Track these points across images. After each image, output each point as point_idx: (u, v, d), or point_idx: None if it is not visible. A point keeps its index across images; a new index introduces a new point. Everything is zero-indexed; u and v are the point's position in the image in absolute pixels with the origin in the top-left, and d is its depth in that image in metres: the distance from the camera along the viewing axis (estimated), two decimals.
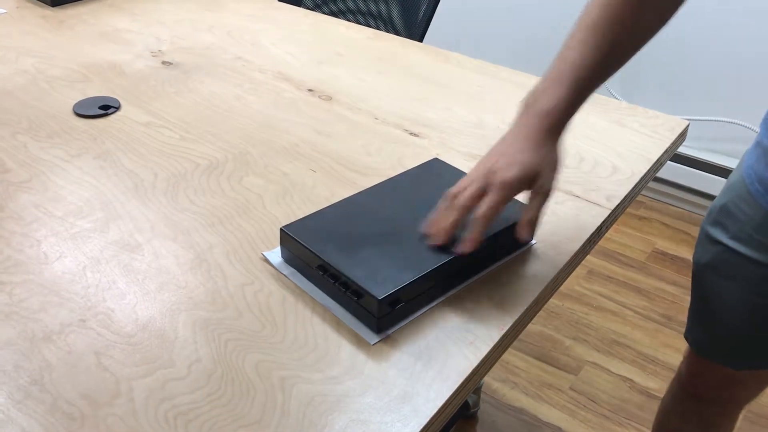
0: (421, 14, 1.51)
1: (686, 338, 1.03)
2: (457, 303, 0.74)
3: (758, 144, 0.86)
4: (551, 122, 0.72)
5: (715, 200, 0.93)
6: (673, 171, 2.23)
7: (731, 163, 2.16)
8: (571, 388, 1.68)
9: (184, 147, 1.00)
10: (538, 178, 0.72)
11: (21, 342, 0.68)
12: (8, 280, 0.76)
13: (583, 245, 0.83)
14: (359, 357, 0.67)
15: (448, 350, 0.68)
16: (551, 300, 1.88)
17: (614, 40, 0.73)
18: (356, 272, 0.70)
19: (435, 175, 0.87)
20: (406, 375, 0.66)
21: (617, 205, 0.90)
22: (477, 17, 2.47)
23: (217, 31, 1.37)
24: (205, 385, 0.64)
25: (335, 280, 0.72)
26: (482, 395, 1.64)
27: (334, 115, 1.09)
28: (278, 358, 0.67)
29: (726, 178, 1.11)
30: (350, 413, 0.62)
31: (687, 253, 2.05)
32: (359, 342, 0.69)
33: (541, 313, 1.85)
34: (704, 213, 1.03)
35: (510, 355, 1.76)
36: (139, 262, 0.79)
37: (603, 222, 0.87)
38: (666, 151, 1.02)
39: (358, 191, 0.84)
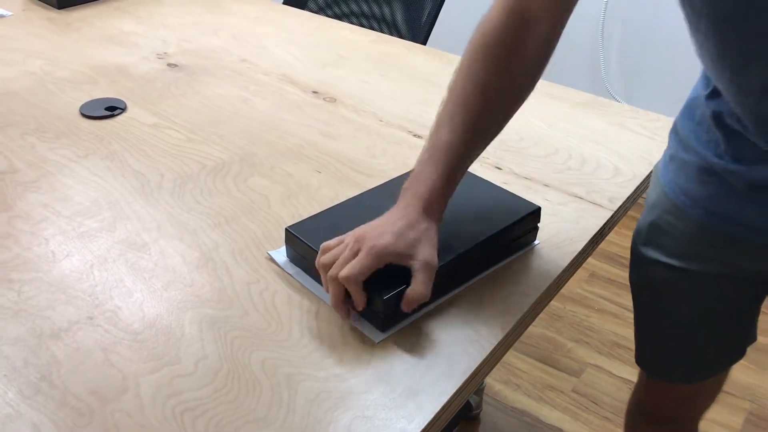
0: (425, 17, 1.52)
1: (638, 363, 1.01)
2: (460, 302, 0.75)
3: (673, 158, 0.85)
4: (427, 205, 0.72)
5: (640, 221, 0.91)
6: None
7: None
8: (573, 390, 1.68)
9: (190, 148, 1.01)
10: (415, 253, 0.70)
11: (30, 339, 0.69)
12: (17, 278, 0.77)
13: (586, 246, 0.84)
14: (364, 355, 0.68)
15: (451, 348, 0.69)
16: (553, 302, 1.89)
17: (483, 111, 0.73)
18: None
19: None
20: (410, 372, 0.66)
21: (619, 207, 0.91)
22: (478, 21, 2.48)
23: (222, 34, 1.38)
24: (211, 381, 0.65)
25: None
26: (484, 397, 1.64)
27: (339, 117, 1.10)
28: (284, 355, 0.68)
29: None
30: (355, 410, 0.63)
31: None
32: (363, 340, 0.70)
33: (542, 315, 1.86)
34: None
35: (512, 357, 1.76)
36: (146, 260, 0.80)
37: (605, 223, 0.88)
38: None
39: (362, 191, 0.85)
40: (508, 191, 0.85)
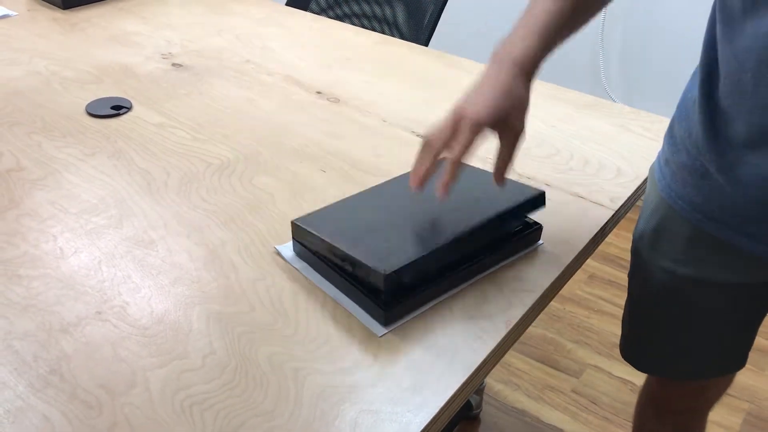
0: (427, 19, 1.53)
1: (625, 358, 1.01)
2: (463, 298, 0.76)
3: (668, 162, 0.85)
4: (522, 69, 0.73)
5: (640, 225, 0.91)
6: None
7: None
8: (572, 391, 1.69)
9: (195, 147, 1.02)
10: (508, 119, 0.72)
11: (39, 333, 0.70)
12: (26, 273, 0.78)
13: (588, 243, 0.85)
14: (369, 350, 0.69)
15: (456, 344, 0.70)
16: (553, 304, 1.90)
17: None
18: (363, 252, 0.72)
19: (442, 171, 0.88)
20: (416, 367, 0.67)
21: (621, 206, 0.92)
22: (480, 22, 2.50)
23: (227, 35, 1.39)
24: (219, 375, 0.66)
25: (343, 270, 0.74)
26: (485, 397, 1.65)
27: (343, 117, 1.11)
28: (291, 350, 0.69)
29: None
30: (361, 403, 0.64)
31: None
32: (369, 335, 0.71)
33: (542, 316, 1.87)
34: None
35: (512, 358, 1.77)
36: (153, 257, 0.81)
37: (607, 222, 0.89)
38: None
39: (369, 187, 0.87)
40: (512, 180, 0.85)
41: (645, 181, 0.98)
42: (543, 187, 0.94)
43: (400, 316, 0.72)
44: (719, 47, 0.73)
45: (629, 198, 0.94)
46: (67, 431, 0.61)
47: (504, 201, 0.80)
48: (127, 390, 0.64)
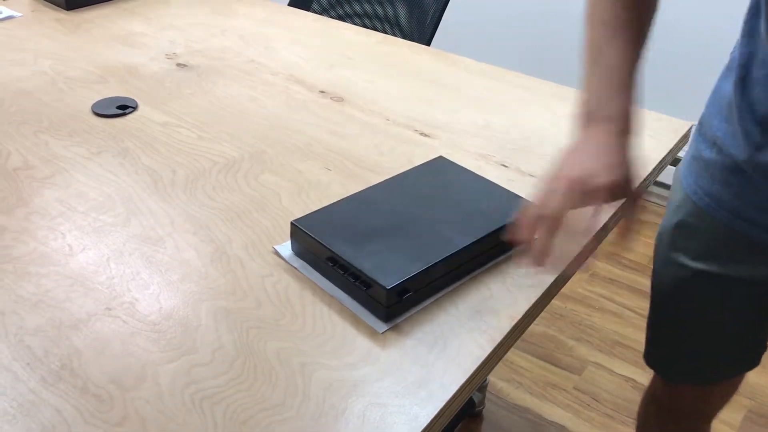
0: (429, 19, 1.54)
1: (648, 364, 1.01)
2: (468, 293, 0.77)
3: (695, 158, 0.85)
4: (623, 127, 0.71)
5: (664, 222, 0.91)
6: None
7: None
8: (574, 388, 1.70)
9: (201, 146, 1.03)
10: (627, 183, 0.70)
11: (50, 329, 0.71)
12: (35, 271, 0.79)
13: (591, 240, 0.85)
14: (376, 344, 0.70)
15: (461, 338, 0.71)
16: (554, 302, 1.91)
17: (637, 23, 0.75)
18: (365, 264, 0.73)
19: (440, 171, 0.90)
20: (422, 361, 0.68)
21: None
22: (482, 22, 2.51)
23: (230, 35, 1.40)
24: (228, 370, 0.67)
25: (344, 272, 0.75)
26: (487, 394, 1.66)
27: (346, 116, 1.12)
28: (298, 345, 0.70)
29: None
30: (368, 397, 0.64)
31: None
32: (375, 331, 0.72)
33: (544, 314, 1.88)
34: None
35: (514, 356, 1.78)
36: (161, 254, 0.82)
37: (609, 218, 0.89)
38: (669, 152, 1.05)
39: (368, 186, 0.87)
40: (510, 191, 0.86)
41: (645, 179, 0.99)
42: None
43: (400, 313, 0.74)
44: (759, 41, 0.73)
45: None
46: (79, 424, 0.62)
47: (507, 214, 0.81)
48: (138, 384, 0.65)
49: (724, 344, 0.92)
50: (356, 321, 0.73)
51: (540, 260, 0.67)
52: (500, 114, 1.13)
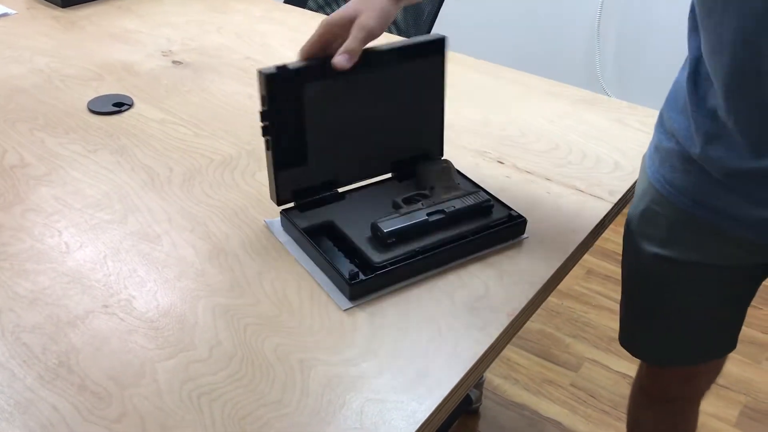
0: (425, 16, 1.54)
1: (622, 345, 1.03)
2: (466, 290, 0.77)
3: (657, 148, 0.87)
4: None
5: (631, 209, 0.93)
6: None
7: None
8: (571, 385, 1.70)
9: (197, 143, 1.02)
10: (359, 15, 0.78)
11: (47, 326, 0.71)
12: (32, 268, 0.79)
13: (588, 236, 0.86)
14: (374, 341, 0.70)
15: (459, 334, 0.71)
16: (551, 299, 1.91)
17: None
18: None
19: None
20: (420, 357, 0.68)
21: (619, 199, 0.93)
22: (479, 19, 2.51)
23: (226, 33, 1.40)
24: (226, 366, 0.67)
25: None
26: (484, 391, 1.66)
27: None
28: (296, 341, 0.70)
29: None
30: (367, 392, 0.65)
31: None
32: (374, 327, 0.72)
33: (540, 311, 1.88)
34: None
35: (511, 353, 1.78)
36: (158, 251, 0.81)
37: (606, 215, 0.90)
38: None
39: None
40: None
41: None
42: (542, 182, 0.96)
43: (366, 293, 0.75)
44: (702, 33, 0.74)
45: (627, 191, 0.95)
46: (76, 421, 0.61)
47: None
48: (136, 381, 0.65)
49: (694, 327, 0.94)
50: (355, 318, 0.73)
51: (305, 55, 0.78)
52: (497, 111, 1.13)
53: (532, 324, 1.87)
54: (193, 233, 0.84)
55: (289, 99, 0.78)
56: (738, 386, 1.70)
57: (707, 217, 0.82)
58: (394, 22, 1.59)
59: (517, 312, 0.74)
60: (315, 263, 0.79)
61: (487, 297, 0.76)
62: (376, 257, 0.77)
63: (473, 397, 1.60)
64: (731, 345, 0.96)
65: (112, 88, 1.17)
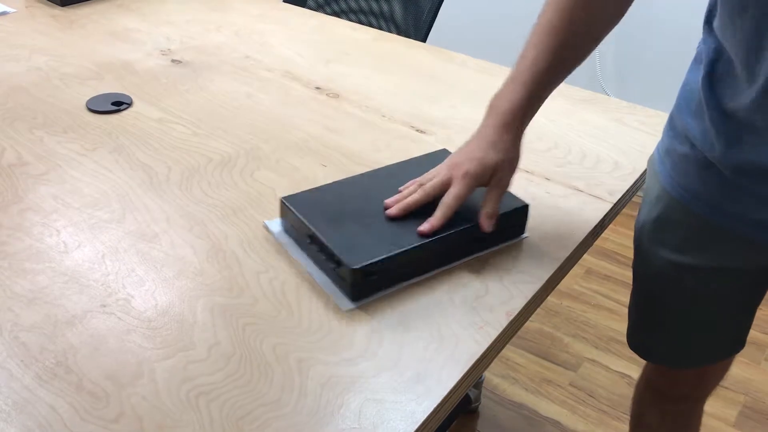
0: (425, 15, 1.53)
1: (631, 347, 1.03)
2: (466, 289, 0.77)
3: (669, 153, 0.86)
4: (509, 121, 0.79)
5: (642, 215, 0.92)
6: None
7: None
8: (570, 384, 1.70)
9: (196, 142, 1.02)
10: (495, 174, 0.78)
11: (45, 326, 0.71)
12: (30, 267, 0.78)
13: (587, 236, 0.86)
14: (373, 341, 0.70)
15: (458, 335, 0.71)
16: (550, 298, 1.91)
17: (568, 42, 0.78)
18: (337, 243, 0.75)
19: (439, 163, 0.89)
20: (419, 357, 0.68)
21: (619, 199, 0.93)
22: (478, 18, 2.51)
23: (225, 31, 1.40)
24: (224, 366, 0.67)
25: (319, 249, 0.77)
26: (483, 390, 1.66)
27: (342, 112, 1.11)
28: (294, 341, 0.70)
29: None
30: (365, 393, 0.64)
31: None
32: (372, 326, 0.72)
33: (540, 311, 1.88)
34: None
35: (510, 352, 1.78)
36: (157, 251, 0.81)
37: (606, 215, 0.90)
38: None
39: (361, 173, 0.89)
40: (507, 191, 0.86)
41: (642, 174, 0.99)
42: (542, 181, 0.95)
43: (367, 295, 0.75)
44: (722, 36, 0.74)
45: (627, 191, 0.95)
46: (74, 421, 0.61)
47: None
48: (134, 381, 0.65)
49: (707, 330, 0.94)
50: (354, 317, 0.73)
51: (397, 210, 0.79)
52: None
53: (532, 323, 1.87)
54: (191, 232, 0.84)
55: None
56: (737, 386, 1.70)
57: (724, 222, 0.81)
58: (394, 22, 1.58)
59: (516, 312, 0.74)
60: (316, 264, 0.79)
61: (486, 297, 0.76)
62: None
63: (472, 397, 1.60)
64: (740, 344, 0.96)
65: (111, 86, 1.17)
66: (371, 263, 0.73)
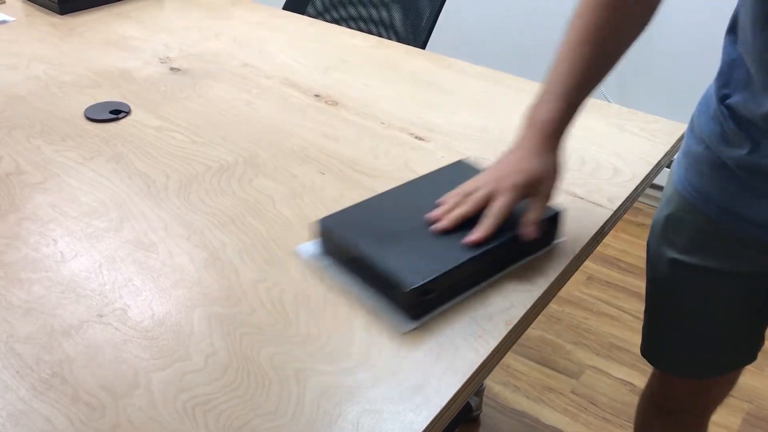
0: (424, 22, 1.53)
1: (643, 355, 1.03)
2: (465, 299, 0.76)
3: (686, 153, 0.88)
4: (549, 132, 0.78)
5: (656, 215, 0.93)
6: None
7: None
8: (572, 392, 1.69)
9: (194, 150, 1.02)
10: (540, 184, 0.78)
11: (41, 336, 0.70)
12: (26, 277, 0.78)
13: (587, 244, 0.85)
14: (371, 350, 0.69)
15: (457, 344, 0.70)
16: (551, 305, 1.90)
17: (600, 51, 0.78)
18: (389, 264, 0.73)
19: (462, 174, 0.88)
20: (417, 367, 0.68)
21: (619, 206, 0.92)
22: (477, 25, 2.51)
23: (224, 39, 1.40)
24: (221, 376, 0.66)
25: (369, 271, 0.75)
26: (484, 398, 1.65)
27: (341, 119, 1.11)
28: (292, 351, 0.69)
29: None
30: (363, 403, 0.64)
31: None
32: (371, 336, 0.71)
33: (541, 318, 1.87)
34: None
35: (511, 360, 1.77)
36: (154, 260, 0.81)
37: (606, 222, 0.89)
38: (666, 155, 1.04)
39: (392, 187, 0.87)
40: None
41: (642, 181, 0.98)
42: None
43: (425, 313, 0.73)
44: (741, 45, 0.74)
45: (627, 198, 0.94)
46: None
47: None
48: (130, 392, 0.65)
49: (716, 337, 0.93)
50: (352, 327, 0.72)
51: (444, 223, 0.78)
52: (496, 117, 1.13)
53: (533, 331, 1.86)
54: (189, 241, 0.84)
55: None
56: (741, 393, 1.69)
57: (734, 226, 0.82)
58: (393, 29, 1.58)
59: (516, 321, 0.73)
60: (364, 286, 0.76)
61: (485, 306, 0.75)
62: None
63: (473, 405, 1.59)
64: (752, 357, 0.95)
65: (109, 95, 1.17)
66: (428, 282, 0.71)
